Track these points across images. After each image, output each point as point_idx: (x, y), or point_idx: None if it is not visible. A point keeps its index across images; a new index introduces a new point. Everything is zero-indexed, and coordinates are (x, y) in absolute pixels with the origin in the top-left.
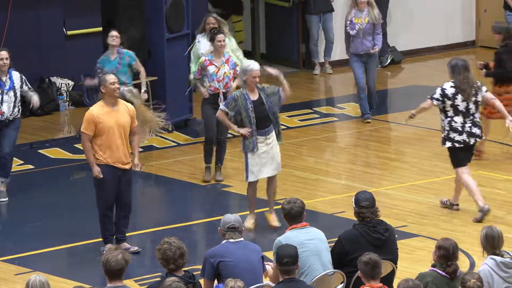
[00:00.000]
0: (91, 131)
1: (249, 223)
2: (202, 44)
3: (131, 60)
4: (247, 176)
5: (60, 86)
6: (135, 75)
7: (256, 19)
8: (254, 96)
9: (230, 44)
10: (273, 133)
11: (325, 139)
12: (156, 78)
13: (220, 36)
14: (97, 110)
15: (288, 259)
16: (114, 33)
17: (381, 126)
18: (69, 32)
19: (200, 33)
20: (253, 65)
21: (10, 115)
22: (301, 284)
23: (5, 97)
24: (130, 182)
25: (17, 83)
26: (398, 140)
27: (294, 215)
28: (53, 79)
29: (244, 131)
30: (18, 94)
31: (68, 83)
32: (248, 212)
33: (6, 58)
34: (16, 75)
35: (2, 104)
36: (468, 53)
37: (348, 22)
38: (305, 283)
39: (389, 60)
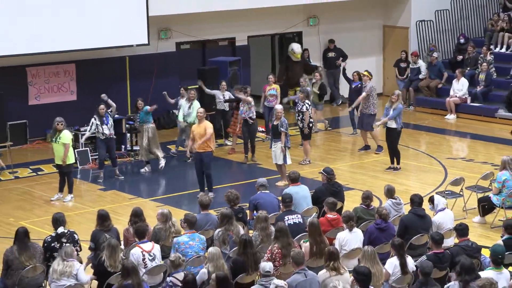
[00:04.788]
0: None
1: (282, 183)
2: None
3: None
4: (286, 161)
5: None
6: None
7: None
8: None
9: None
10: (279, 142)
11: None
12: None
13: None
14: (195, 125)
15: (288, 199)
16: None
17: (335, 135)
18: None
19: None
20: (278, 106)
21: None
22: (295, 212)
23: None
24: (205, 161)
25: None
26: (346, 142)
27: (296, 179)
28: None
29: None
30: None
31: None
32: (280, 175)
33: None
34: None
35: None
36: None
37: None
38: (298, 212)
39: None
